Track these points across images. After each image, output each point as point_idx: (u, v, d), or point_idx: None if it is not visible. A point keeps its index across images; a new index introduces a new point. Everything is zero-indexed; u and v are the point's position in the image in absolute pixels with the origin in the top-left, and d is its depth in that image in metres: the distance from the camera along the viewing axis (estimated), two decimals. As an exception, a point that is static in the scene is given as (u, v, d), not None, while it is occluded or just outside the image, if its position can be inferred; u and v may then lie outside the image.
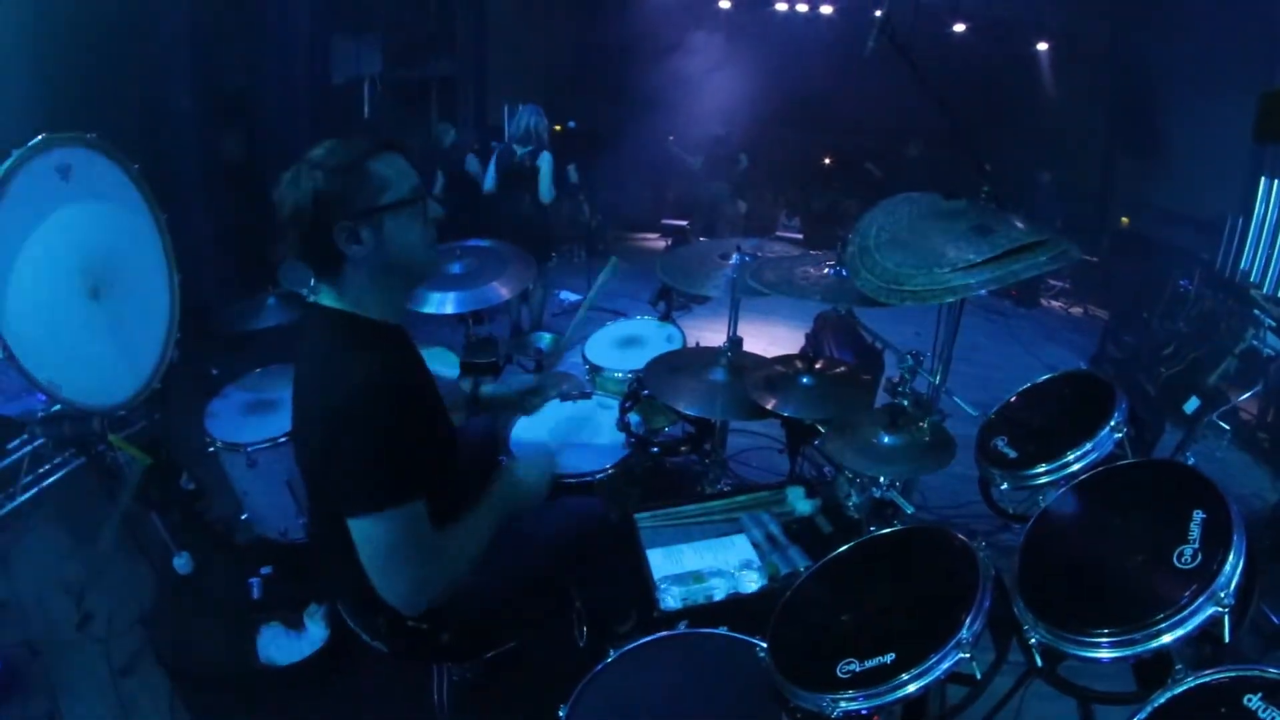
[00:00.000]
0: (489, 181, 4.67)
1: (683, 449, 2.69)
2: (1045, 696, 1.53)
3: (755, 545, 2.09)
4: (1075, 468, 1.59)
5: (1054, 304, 6.90)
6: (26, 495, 2.87)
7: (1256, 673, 0.96)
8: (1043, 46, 7.02)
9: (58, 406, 2.32)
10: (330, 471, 1.34)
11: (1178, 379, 4.29)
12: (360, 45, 5.90)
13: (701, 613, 1.86)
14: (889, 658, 1.19)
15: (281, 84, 4.82)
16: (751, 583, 1.95)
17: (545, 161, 4.53)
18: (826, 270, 2.12)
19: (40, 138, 2.24)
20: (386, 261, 1.38)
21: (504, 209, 4.64)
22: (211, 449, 2.49)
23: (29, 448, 2.89)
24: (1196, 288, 4.93)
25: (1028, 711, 1.66)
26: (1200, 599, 1.07)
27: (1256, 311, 4.06)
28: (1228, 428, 3.73)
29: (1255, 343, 4.04)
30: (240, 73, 4.71)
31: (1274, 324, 3.98)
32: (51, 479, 2.98)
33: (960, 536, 1.39)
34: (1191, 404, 4.08)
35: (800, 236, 8.16)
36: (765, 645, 1.39)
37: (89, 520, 2.68)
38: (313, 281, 1.44)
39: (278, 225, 1.35)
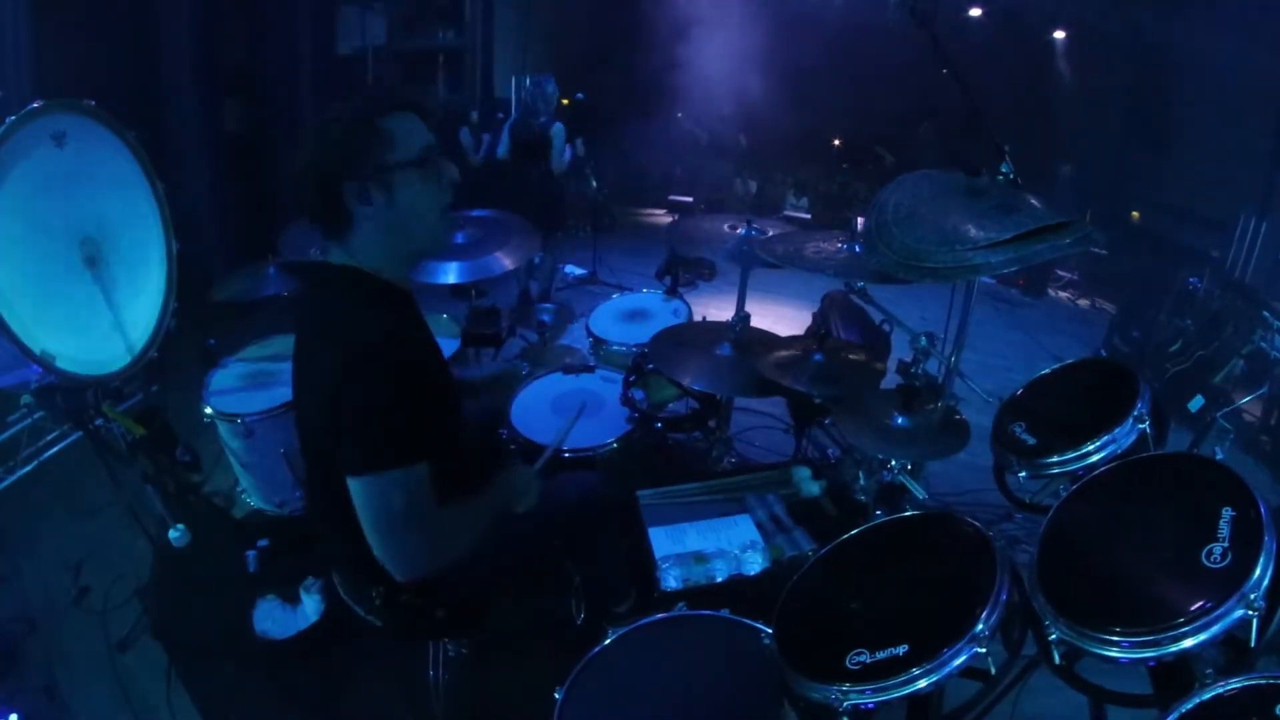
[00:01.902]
0: (502, 149, 4.67)
1: (687, 425, 2.65)
2: (1043, 690, 1.50)
3: (759, 526, 2.06)
4: (1096, 458, 1.53)
5: (1062, 295, 6.82)
6: (26, 469, 2.85)
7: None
8: (1059, 35, 6.88)
9: (52, 377, 2.28)
10: (335, 426, 1.30)
11: (1183, 376, 4.24)
12: (365, 15, 5.82)
13: (703, 594, 1.83)
14: (902, 649, 1.14)
15: (285, 54, 4.74)
16: (755, 565, 1.92)
17: (558, 132, 4.55)
18: (839, 245, 2.06)
19: (36, 104, 2.19)
20: (396, 223, 1.34)
21: (516, 179, 4.63)
22: (209, 420, 2.46)
23: (28, 421, 2.86)
24: (1206, 286, 4.87)
25: (1025, 704, 1.63)
26: (1230, 600, 1.02)
27: (1265, 313, 4.02)
28: (1231, 428, 3.69)
29: (1263, 344, 4.01)
30: (243, 42, 4.62)
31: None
32: (50, 452, 2.95)
33: (975, 524, 1.34)
34: (1196, 402, 4.04)
35: (808, 216, 8.09)
36: (770, 631, 1.36)
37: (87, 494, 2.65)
38: (323, 243, 1.41)
39: (293, 181, 1.34)
